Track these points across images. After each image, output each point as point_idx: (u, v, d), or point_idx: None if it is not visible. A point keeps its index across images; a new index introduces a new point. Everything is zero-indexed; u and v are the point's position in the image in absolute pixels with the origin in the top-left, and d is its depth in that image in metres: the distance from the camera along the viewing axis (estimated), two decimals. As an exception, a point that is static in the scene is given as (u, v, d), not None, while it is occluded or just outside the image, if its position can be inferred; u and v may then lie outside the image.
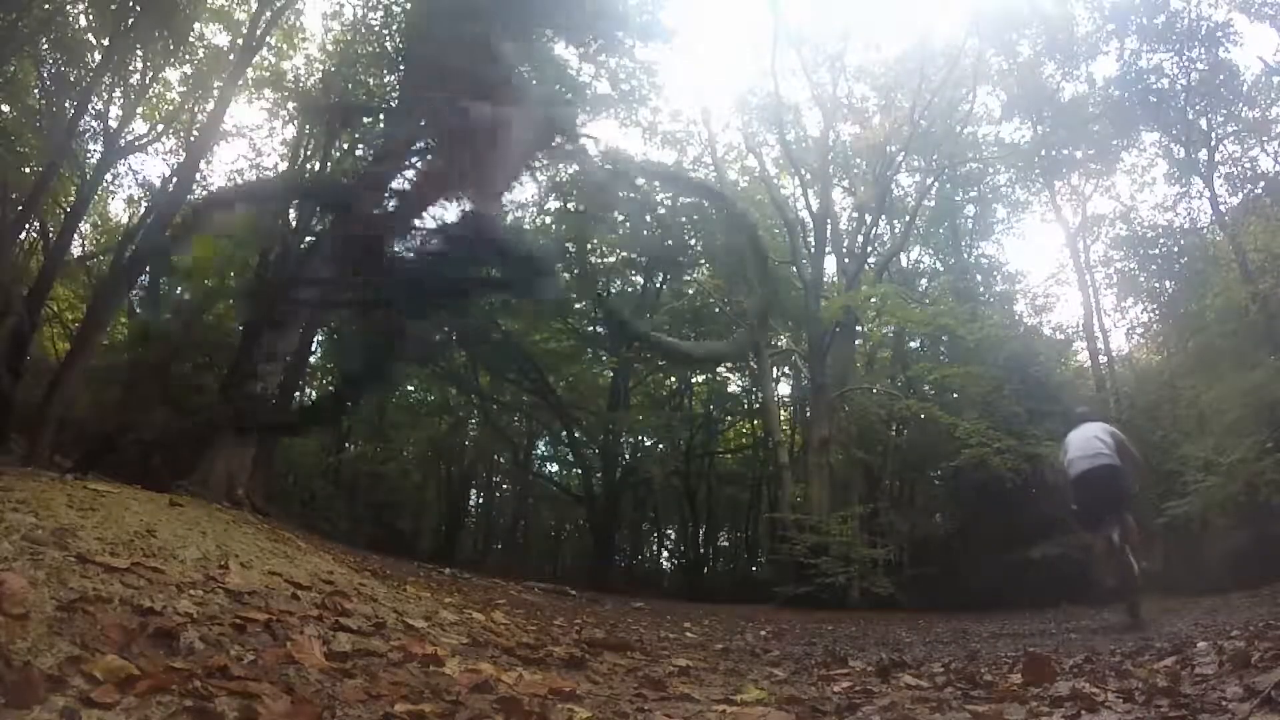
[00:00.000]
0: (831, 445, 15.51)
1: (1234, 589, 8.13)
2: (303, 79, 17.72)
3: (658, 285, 22.11)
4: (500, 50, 3.08)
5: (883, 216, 20.03)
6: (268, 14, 14.13)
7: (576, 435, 22.25)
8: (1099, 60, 16.96)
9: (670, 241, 21.28)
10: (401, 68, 13.72)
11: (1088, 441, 5.65)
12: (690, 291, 21.64)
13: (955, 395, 16.35)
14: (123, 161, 16.19)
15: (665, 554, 28.83)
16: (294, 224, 17.38)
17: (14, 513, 2.15)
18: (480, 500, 29.07)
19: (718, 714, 1.80)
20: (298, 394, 21.29)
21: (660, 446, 23.08)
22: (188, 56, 15.30)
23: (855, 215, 20.87)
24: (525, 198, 22.67)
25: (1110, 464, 5.42)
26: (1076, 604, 9.56)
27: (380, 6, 16.25)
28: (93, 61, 13.82)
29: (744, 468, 25.09)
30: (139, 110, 15.58)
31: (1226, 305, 13.80)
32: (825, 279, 18.78)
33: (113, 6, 12.68)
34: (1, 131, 13.15)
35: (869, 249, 19.75)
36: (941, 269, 22.68)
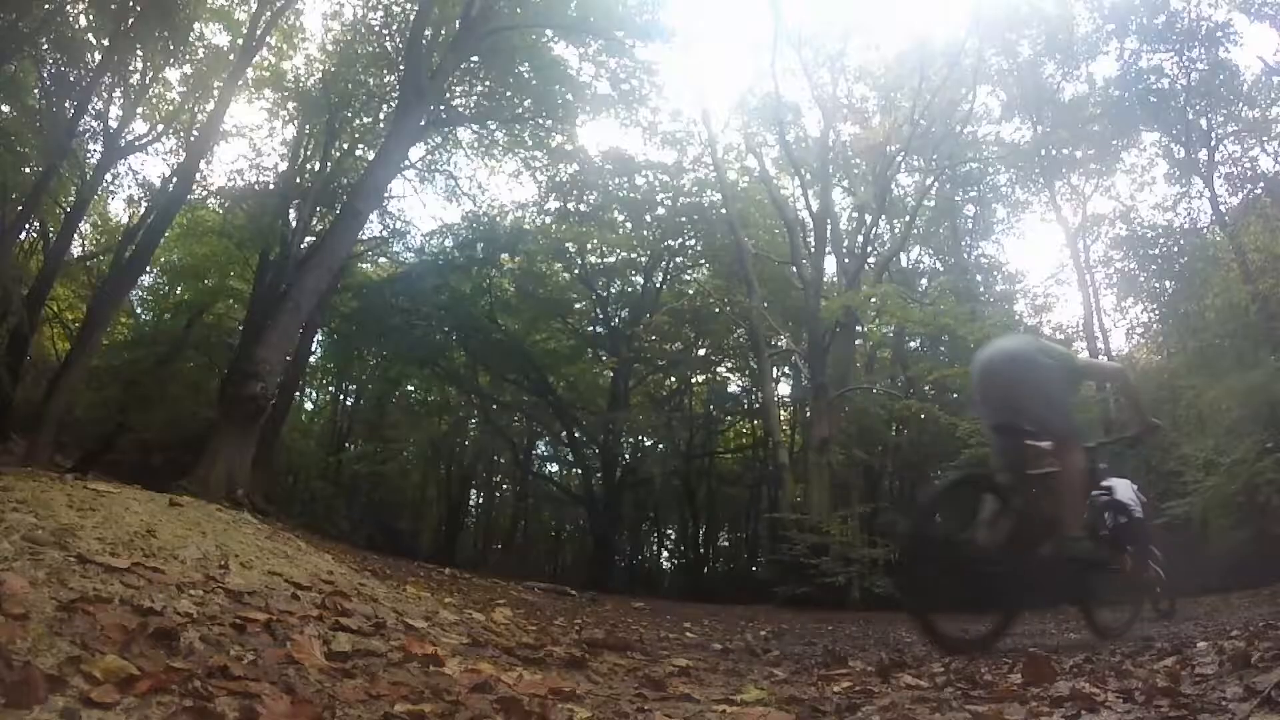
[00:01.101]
0: (831, 445, 15.50)
1: (1234, 589, 8.13)
2: (303, 79, 17.74)
3: (658, 285, 22.14)
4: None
5: (883, 216, 20.05)
6: (268, 14, 14.13)
7: (576, 435, 22.26)
8: (1099, 60, 17.01)
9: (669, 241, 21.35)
10: (402, 69, 13.70)
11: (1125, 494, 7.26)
12: (690, 292, 21.66)
13: (955, 395, 16.35)
14: (123, 161, 16.21)
15: (665, 554, 28.86)
16: (294, 224, 17.46)
17: (14, 513, 2.15)
18: (480, 500, 29.10)
19: (718, 714, 1.80)
20: (298, 394, 21.37)
21: (660, 446, 23.09)
22: (188, 56, 15.29)
23: (855, 215, 20.90)
24: (525, 197, 22.80)
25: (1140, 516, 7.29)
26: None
27: (380, 6, 16.28)
28: (93, 61, 13.81)
29: (744, 468, 25.09)
30: (139, 110, 15.58)
31: (1226, 305, 13.80)
32: (825, 279, 18.79)
33: (113, 6, 12.68)
34: (1, 131, 13.14)
35: (869, 249, 19.76)
36: (941, 269, 22.69)
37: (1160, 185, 18.34)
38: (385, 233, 21.04)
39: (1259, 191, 15.18)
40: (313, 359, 21.44)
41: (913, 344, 20.61)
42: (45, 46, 13.46)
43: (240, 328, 17.89)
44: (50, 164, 12.91)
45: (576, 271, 21.61)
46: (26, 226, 14.73)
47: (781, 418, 21.41)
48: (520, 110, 16.67)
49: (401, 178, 18.30)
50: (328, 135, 17.67)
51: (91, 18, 13.68)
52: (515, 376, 21.70)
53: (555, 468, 27.76)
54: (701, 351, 23.23)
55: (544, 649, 2.49)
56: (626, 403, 21.33)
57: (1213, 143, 15.53)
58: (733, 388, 24.98)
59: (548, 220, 21.18)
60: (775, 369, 20.55)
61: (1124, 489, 7.13)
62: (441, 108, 15.47)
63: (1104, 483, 7.56)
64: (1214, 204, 15.40)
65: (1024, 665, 2.27)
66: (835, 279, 19.32)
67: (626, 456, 22.47)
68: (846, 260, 19.20)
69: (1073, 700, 1.71)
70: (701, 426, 23.81)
